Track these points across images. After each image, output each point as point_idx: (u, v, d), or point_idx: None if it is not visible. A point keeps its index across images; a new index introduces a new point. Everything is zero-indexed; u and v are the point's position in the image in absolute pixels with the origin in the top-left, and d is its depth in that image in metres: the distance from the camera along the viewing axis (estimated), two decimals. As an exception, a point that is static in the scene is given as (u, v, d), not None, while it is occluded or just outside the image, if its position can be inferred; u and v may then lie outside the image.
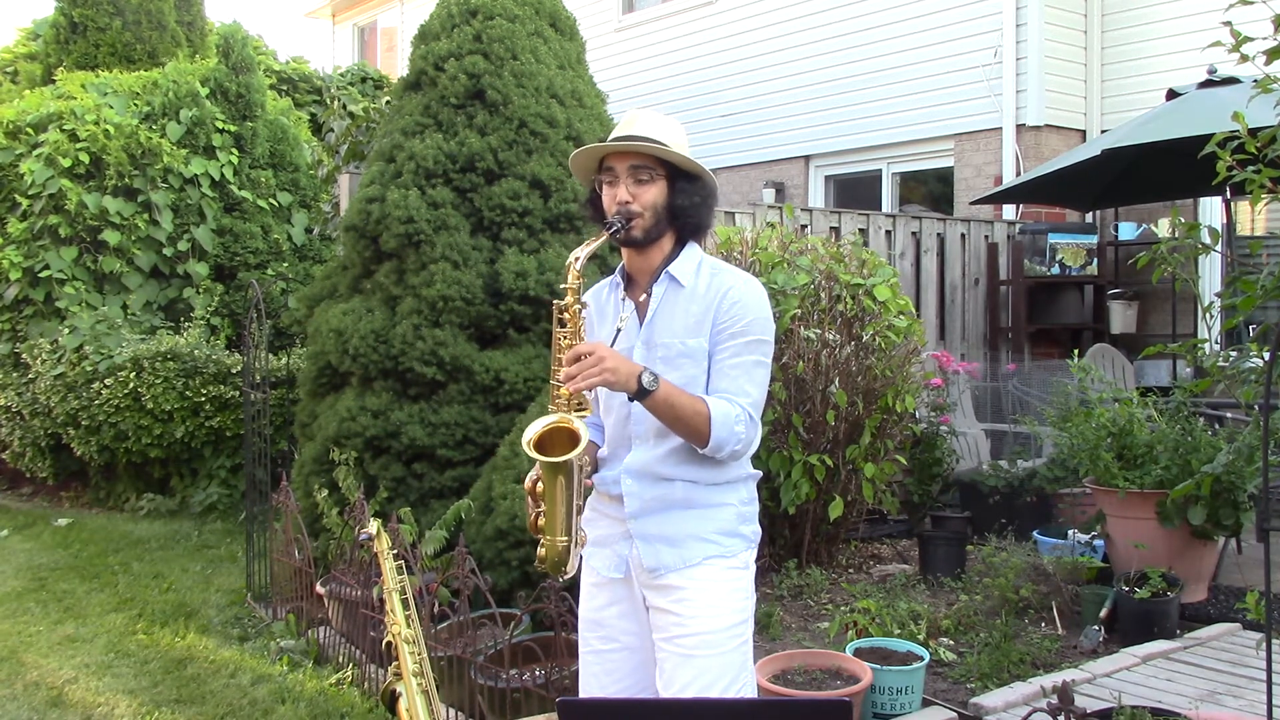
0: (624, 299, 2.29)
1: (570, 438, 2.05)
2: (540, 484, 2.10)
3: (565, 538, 2.08)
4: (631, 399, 2.08)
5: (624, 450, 2.24)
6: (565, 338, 2.12)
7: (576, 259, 2.11)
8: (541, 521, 2.10)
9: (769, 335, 2.24)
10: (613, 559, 2.25)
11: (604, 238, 2.16)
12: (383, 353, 4.65)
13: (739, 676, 2.18)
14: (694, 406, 2.10)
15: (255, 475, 5.44)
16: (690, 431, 2.12)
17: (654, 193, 2.19)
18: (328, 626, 4.51)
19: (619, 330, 2.21)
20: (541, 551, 2.11)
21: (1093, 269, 7.78)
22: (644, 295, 2.26)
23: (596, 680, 2.29)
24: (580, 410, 2.09)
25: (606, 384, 2.03)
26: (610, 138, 2.25)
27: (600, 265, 4.90)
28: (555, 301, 2.14)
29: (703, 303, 2.20)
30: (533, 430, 2.06)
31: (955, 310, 7.65)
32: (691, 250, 2.27)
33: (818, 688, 3.39)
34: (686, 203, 2.22)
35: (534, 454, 2.04)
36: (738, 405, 2.14)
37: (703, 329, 2.19)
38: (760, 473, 2.35)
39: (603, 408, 2.30)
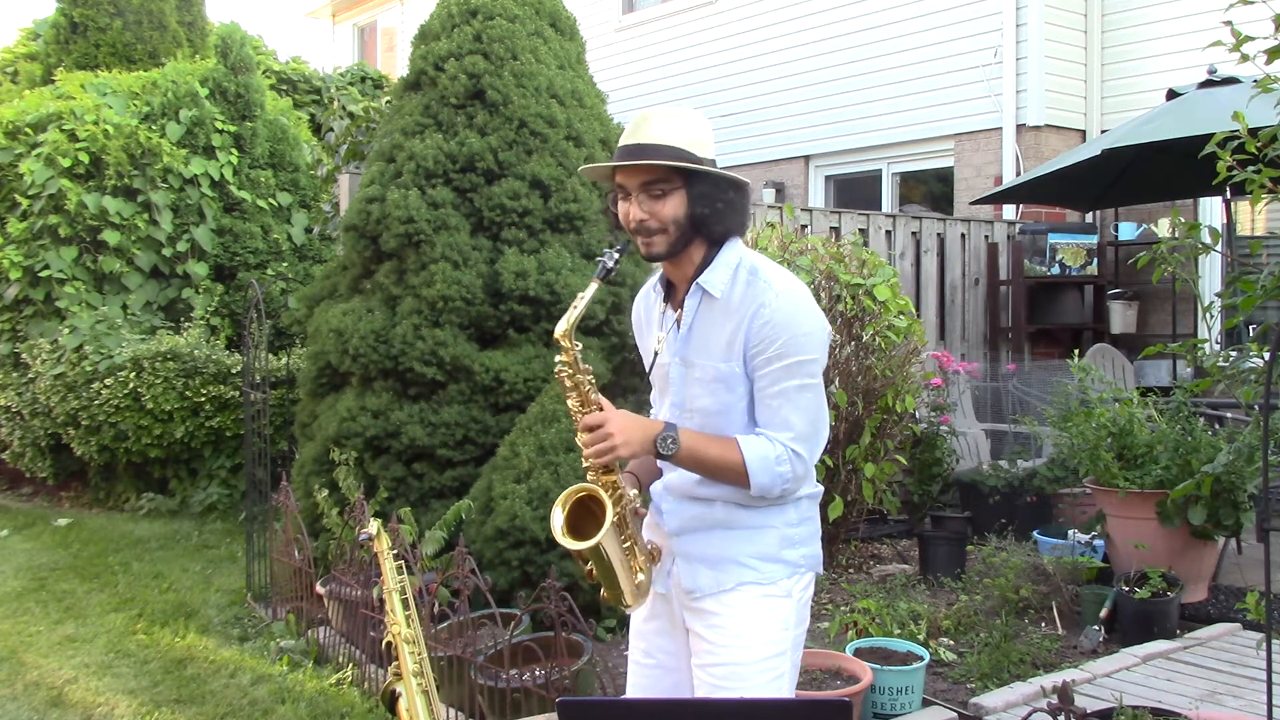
0: (664, 310, 2.15)
1: (600, 504, 1.96)
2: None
3: (617, 589, 2.01)
4: (657, 457, 1.99)
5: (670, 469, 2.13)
6: (573, 402, 2.00)
7: (563, 332, 1.96)
8: (595, 575, 2.02)
9: (814, 351, 2.01)
10: (659, 573, 2.14)
11: (594, 287, 1.99)
12: (383, 353, 4.65)
13: None
14: (725, 457, 1.98)
15: (255, 475, 5.44)
16: (730, 480, 2.01)
17: (672, 205, 1.99)
18: (328, 626, 4.51)
19: (656, 354, 2.11)
20: (604, 595, 2.05)
21: (1093, 269, 7.78)
22: (679, 308, 2.12)
23: (637, 691, 2.21)
24: (609, 473, 1.99)
25: (620, 459, 1.95)
26: (620, 143, 2.05)
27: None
28: (556, 370, 2.01)
29: (735, 319, 2.01)
30: (560, 508, 1.97)
31: (955, 310, 7.65)
32: (728, 253, 2.07)
33: (818, 688, 3.39)
34: (708, 210, 2.00)
35: (567, 542, 1.94)
36: (778, 444, 1.98)
37: (734, 351, 2.01)
38: (820, 488, 2.17)
39: (654, 409, 2.21)
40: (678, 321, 2.11)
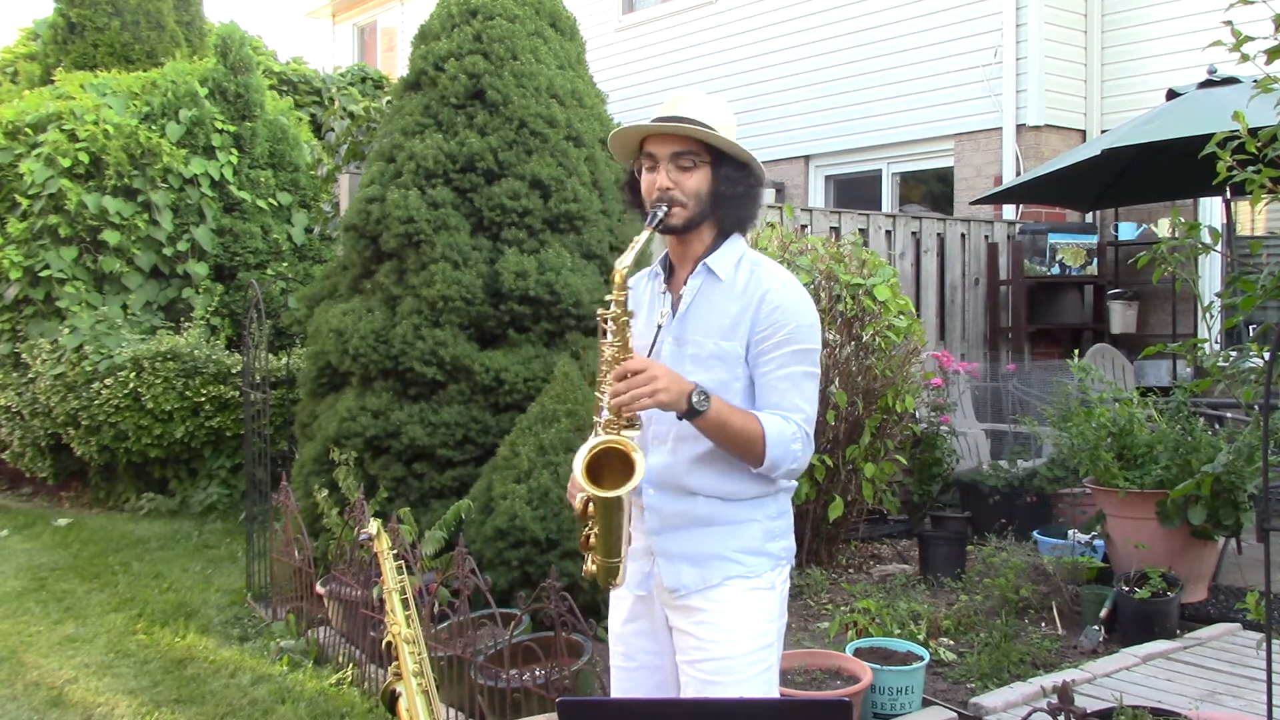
0: (664, 291, 2.17)
1: (623, 460, 1.90)
2: (592, 506, 1.96)
3: (616, 558, 1.98)
4: (681, 417, 1.96)
5: (645, 452, 2.11)
6: (611, 348, 1.95)
7: (624, 265, 1.95)
8: (593, 541, 1.98)
9: (815, 342, 2.09)
10: (636, 575, 2.14)
11: (647, 233, 2.00)
12: (383, 353, 4.65)
13: None
14: (748, 426, 1.98)
15: (255, 475, 5.44)
16: (744, 452, 2.00)
17: (697, 180, 2.06)
18: (328, 626, 4.51)
19: (659, 326, 2.11)
20: (591, 567, 2.01)
21: (1093, 269, 7.78)
22: (681, 286, 2.14)
23: (622, 693, 2.23)
24: (630, 427, 1.93)
25: (659, 405, 1.90)
26: (654, 119, 2.09)
27: (599, 266, 4.91)
28: (600, 311, 1.98)
29: (740, 302, 2.07)
30: (583, 455, 1.91)
31: (955, 310, 7.65)
32: (734, 243, 2.13)
33: (818, 688, 3.39)
34: (730, 191, 2.07)
35: (590, 488, 1.88)
36: (793, 423, 2.02)
37: (738, 332, 2.06)
38: (794, 483, 2.21)
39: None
40: (674, 302, 2.14)
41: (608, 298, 1.98)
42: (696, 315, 2.10)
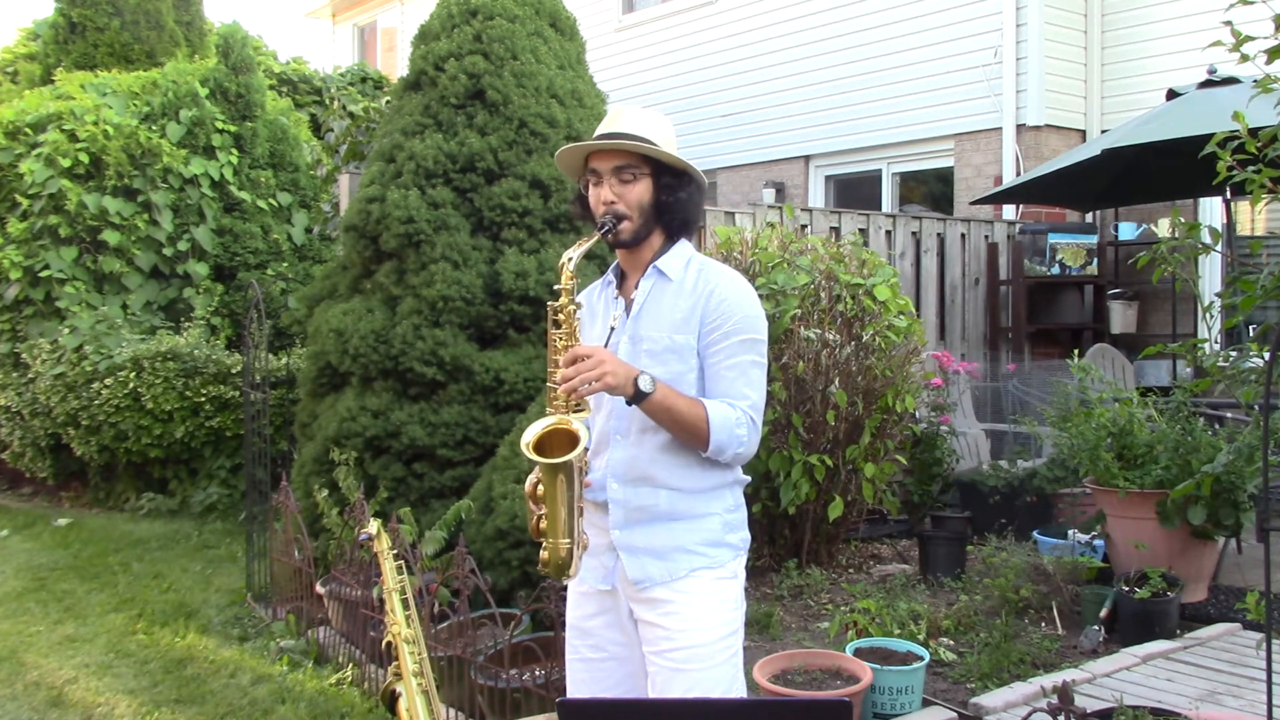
0: (616, 296, 2.27)
1: (569, 439, 2.01)
2: (540, 487, 2.05)
3: (568, 540, 2.03)
4: (629, 402, 2.05)
5: (606, 448, 2.21)
6: (561, 339, 2.09)
7: (569, 260, 2.08)
8: (543, 525, 2.05)
9: (761, 333, 2.19)
10: (599, 570, 2.21)
11: (595, 238, 2.14)
12: (383, 353, 4.65)
13: (730, 689, 2.16)
14: (693, 410, 2.07)
15: (255, 475, 5.44)
16: (689, 435, 2.09)
17: (639, 191, 2.16)
18: (328, 626, 4.52)
19: (612, 329, 2.20)
20: (544, 555, 2.05)
21: (1093, 269, 7.78)
22: (633, 291, 2.24)
23: (586, 687, 2.26)
24: (578, 411, 2.05)
25: (606, 388, 2.00)
26: (594, 136, 2.21)
27: (600, 265, 4.90)
28: (550, 303, 2.11)
29: (690, 298, 2.17)
30: (531, 432, 2.03)
31: (955, 310, 7.65)
32: (682, 247, 2.25)
33: (818, 688, 3.39)
34: (672, 199, 2.18)
35: (533, 456, 1.99)
36: (738, 409, 2.11)
37: (690, 325, 2.15)
38: (748, 478, 2.31)
39: (592, 403, 2.26)
40: (628, 305, 2.24)
41: (556, 287, 2.10)
42: (650, 314, 2.20)
